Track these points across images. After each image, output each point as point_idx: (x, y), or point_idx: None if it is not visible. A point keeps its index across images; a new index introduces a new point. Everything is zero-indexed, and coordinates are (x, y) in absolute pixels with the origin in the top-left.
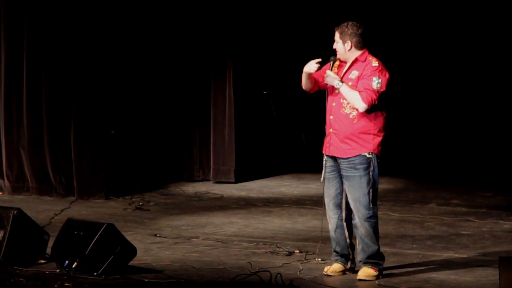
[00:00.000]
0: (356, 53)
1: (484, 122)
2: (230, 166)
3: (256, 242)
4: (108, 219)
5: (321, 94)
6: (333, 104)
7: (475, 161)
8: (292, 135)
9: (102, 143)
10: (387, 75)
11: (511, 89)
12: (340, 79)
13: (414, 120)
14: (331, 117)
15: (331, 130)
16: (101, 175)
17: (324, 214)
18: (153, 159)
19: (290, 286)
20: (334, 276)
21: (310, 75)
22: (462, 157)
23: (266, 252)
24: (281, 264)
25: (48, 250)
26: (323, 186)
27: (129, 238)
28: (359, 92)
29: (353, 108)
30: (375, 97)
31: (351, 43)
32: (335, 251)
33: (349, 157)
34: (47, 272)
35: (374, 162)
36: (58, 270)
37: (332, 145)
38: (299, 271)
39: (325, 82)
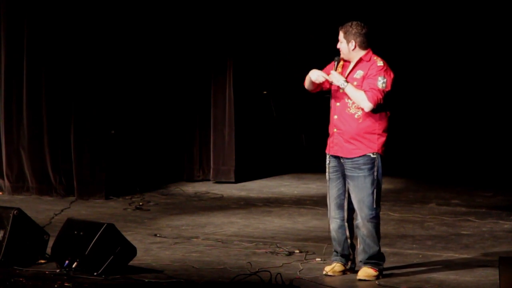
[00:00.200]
0: (360, 53)
1: (484, 122)
2: (230, 166)
3: (256, 242)
4: (108, 219)
5: (321, 94)
6: (338, 104)
7: (475, 161)
8: (292, 135)
9: (102, 143)
10: (392, 75)
11: (511, 89)
12: (345, 79)
13: (414, 120)
14: (336, 116)
15: (335, 130)
16: (101, 175)
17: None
18: (153, 159)
19: (290, 286)
20: (334, 276)
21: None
22: (462, 157)
23: (266, 252)
24: (281, 264)
25: (48, 250)
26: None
27: (129, 238)
28: (364, 91)
29: (358, 108)
30: (381, 97)
31: (355, 42)
32: (335, 251)
33: (354, 157)
34: (47, 272)
35: (378, 163)
36: (58, 270)
37: (337, 145)
38: (299, 271)
39: (330, 82)
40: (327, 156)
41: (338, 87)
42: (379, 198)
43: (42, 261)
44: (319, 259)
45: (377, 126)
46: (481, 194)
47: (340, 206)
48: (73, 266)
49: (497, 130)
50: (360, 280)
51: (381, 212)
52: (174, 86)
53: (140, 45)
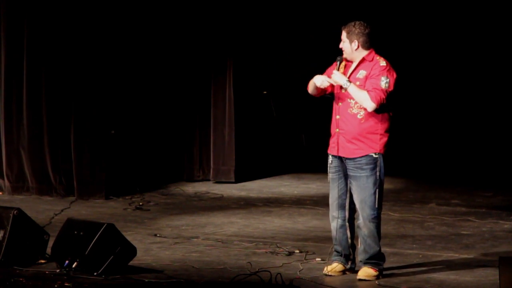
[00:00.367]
0: (363, 52)
1: (484, 122)
2: (230, 166)
3: (256, 242)
4: (108, 219)
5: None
6: (340, 104)
7: (475, 161)
8: (292, 135)
9: (102, 143)
10: (395, 75)
11: (511, 89)
12: (347, 79)
13: (414, 120)
14: (338, 116)
15: (337, 130)
16: (101, 175)
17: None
18: (153, 159)
19: (290, 286)
20: (334, 276)
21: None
22: (462, 157)
23: (266, 252)
24: (281, 264)
25: (48, 250)
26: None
27: (129, 238)
28: (367, 91)
29: (361, 108)
30: (384, 97)
31: (358, 42)
32: (336, 251)
33: (356, 158)
34: (47, 272)
35: (380, 163)
36: (58, 270)
37: (339, 145)
38: (299, 271)
39: (332, 82)
40: (329, 156)
41: (341, 87)
42: (381, 198)
43: (42, 261)
44: (319, 259)
45: (380, 126)
46: (481, 194)
47: (341, 206)
48: (73, 266)
49: (497, 130)
50: (360, 280)
51: (381, 212)
52: (174, 86)
53: (140, 45)
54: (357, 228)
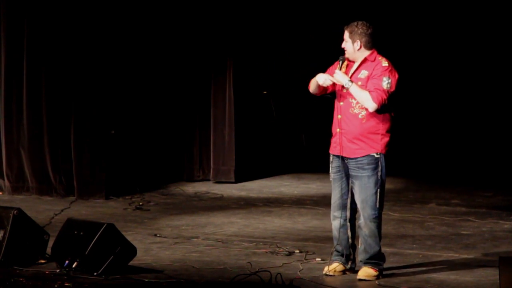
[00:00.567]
0: (365, 53)
1: (484, 122)
2: (230, 166)
3: (256, 242)
4: (108, 219)
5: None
6: (341, 103)
7: (475, 161)
8: (292, 135)
9: (102, 143)
10: (397, 76)
11: (511, 89)
12: (349, 79)
13: (414, 120)
14: (339, 116)
15: (338, 130)
16: (101, 175)
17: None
18: (153, 159)
19: (290, 286)
20: (334, 276)
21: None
22: (462, 157)
23: (266, 252)
24: (281, 264)
25: (48, 250)
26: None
27: (129, 238)
28: (369, 91)
29: (362, 108)
30: (385, 97)
31: (361, 42)
32: (336, 250)
33: (357, 157)
34: (47, 272)
35: (382, 162)
36: (58, 270)
37: (340, 145)
38: (299, 271)
39: (334, 81)
40: (331, 156)
41: (342, 86)
42: (382, 198)
43: (42, 261)
44: (319, 259)
45: (381, 126)
46: (481, 194)
47: (343, 206)
48: (73, 266)
49: (497, 130)
50: (360, 280)
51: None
52: (174, 86)
53: (140, 45)
54: (358, 228)
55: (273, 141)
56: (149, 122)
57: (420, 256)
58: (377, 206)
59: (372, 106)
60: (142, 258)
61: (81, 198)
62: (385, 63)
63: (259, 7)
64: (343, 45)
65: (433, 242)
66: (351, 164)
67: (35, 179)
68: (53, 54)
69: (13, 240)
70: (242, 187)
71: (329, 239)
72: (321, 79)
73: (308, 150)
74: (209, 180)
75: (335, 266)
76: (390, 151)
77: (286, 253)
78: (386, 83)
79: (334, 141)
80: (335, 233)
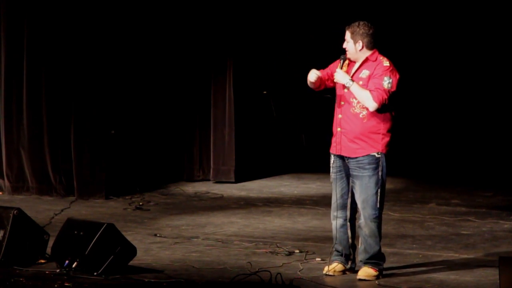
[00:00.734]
0: (367, 53)
1: (484, 122)
2: (230, 166)
3: (256, 242)
4: (108, 219)
5: (321, 95)
6: (342, 103)
7: (475, 161)
8: (292, 135)
9: (102, 143)
10: (398, 76)
11: (511, 89)
12: (350, 78)
13: (414, 120)
14: (340, 116)
15: (339, 129)
16: (101, 175)
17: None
18: (153, 159)
19: (290, 286)
20: (334, 276)
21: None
22: (462, 157)
23: (266, 252)
24: (281, 264)
25: (48, 250)
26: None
27: (129, 238)
28: (370, 91)
29: (363, 108)
30: (386, 97)
31: (363, 43)
32: (336, 250)
33: (358, 157)
34: (47, 272)
35: (382, 162)
36: (58, 270)
37: (341, 145)
38: (299, 271)
39: (335, 80)
40: (331, 156)
41: (343, 86)
42: (383, 198)
43: (42, 261)
44: (319, 259)
45: (382, 126)
46: (481, 194)
47: (343, 206)
48: (73, 266)
49: (497, 130)
50: (360, 280)
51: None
52: (174, 86)
53: (140, 45)
54: (358, 228)
55: (273, 141)
56: (149, 122)
57: (420, 256)
58: (378, 206)
59: (372, 105)
60: (142, 258)
61: (81, 198)
62: (386, 63)
63: (259, 7)
64: (344, 46)
65: (433, 242)
66: (352, 164)
67: (35, 179)
68: (53, 54)
69: (13, 240)
70: (242, 187)
71: (329, 239)
72: (310, 75)
73: (308, 150)
74: (209, 180)
75: (335, 266)
76: (390, 151)
77: (286, 253)
78: (387, 82)
79: (335, 140)
80: (334, 233)
